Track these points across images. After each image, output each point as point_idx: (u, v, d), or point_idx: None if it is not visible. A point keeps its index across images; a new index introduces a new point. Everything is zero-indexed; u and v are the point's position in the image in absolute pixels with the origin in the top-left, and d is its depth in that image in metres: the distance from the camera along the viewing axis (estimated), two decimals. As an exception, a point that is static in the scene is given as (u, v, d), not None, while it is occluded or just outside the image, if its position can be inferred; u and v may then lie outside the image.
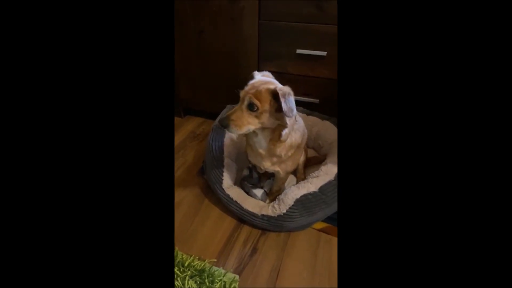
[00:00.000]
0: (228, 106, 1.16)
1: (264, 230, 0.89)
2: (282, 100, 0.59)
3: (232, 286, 0.73)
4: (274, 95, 0.62)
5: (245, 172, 1.00)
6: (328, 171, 0.85)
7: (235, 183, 0.95)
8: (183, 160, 1.22)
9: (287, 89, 0.61)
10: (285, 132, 0.68)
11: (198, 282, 0.73)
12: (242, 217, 0.89)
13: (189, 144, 1.33)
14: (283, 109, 0.59)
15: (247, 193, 0.93)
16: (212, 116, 1.50)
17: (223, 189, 0.90)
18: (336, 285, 0.74)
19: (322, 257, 0.82)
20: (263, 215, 0.84)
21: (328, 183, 0.82)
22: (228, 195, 0.89)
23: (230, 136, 1.02)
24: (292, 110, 0.60)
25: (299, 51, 1.07)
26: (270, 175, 0.97)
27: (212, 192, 1.00)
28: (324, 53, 1.04)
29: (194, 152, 1.27)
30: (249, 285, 0.75)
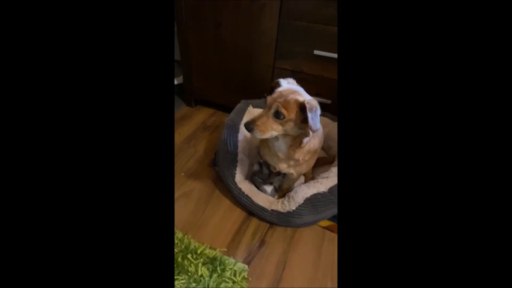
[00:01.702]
0: (243, 101, 1.18)
1: (272, 224, 0.94)
2: (309, 114, 0.62)
3: (241, 275, 0.77)
4: (302, 107, 0.64)
5: (256, 167, 1.04)
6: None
7: (245, 178, 0.99)
8: (194, 151, 1.25)
9: (314, 102, 0.64)
10: (306, 140, 0.71)
11: (210, 269, 0.78)
12: (251, 210, 0.93)
13: (200, 134, 1.36)
14: (309, 123, 0.62)
15: (258, 188, 0.97)
16: (223, 108, 1.52)
17: (235, 182, 0.93)
18: (337, 281, 0.79)
19: (326, 254, 0.87)
20: (272, 210, 0.88)
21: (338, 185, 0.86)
22: (240, 189, 0.92)
23: (244, 132, 1.05)
24: (316, 125, 0.63)
25: (316, 52, 1.09)
26: (280, 172, 1.01)
27: (222, 184, 1.04)
28: (341, 56, 1.06)
29: (205, 142, 1.30)
30: (257, 275, 0.80)
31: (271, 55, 1.18)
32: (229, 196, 1.02)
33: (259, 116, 0.67)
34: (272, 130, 0.68)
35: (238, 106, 1.14)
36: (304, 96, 0.68)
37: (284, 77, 1.23)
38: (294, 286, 0.78)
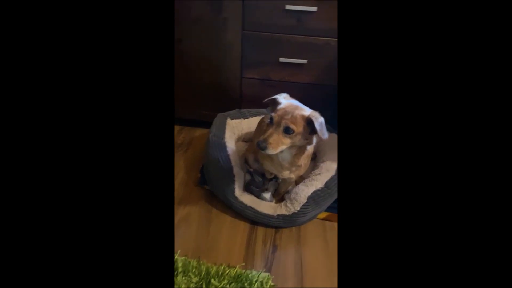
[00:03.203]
0: (219, 115, 1.18)
1: (277, 227, 0.98)
2: (316, 126, 0.70)
3: (268, 284, 0.80)
4: (308, 120, 0.72)
5: (247, 177, 1.06)
6: (329, 168, 0.99)
7: (242, 190, 1.01)
8: (175, 172, 1.20)
9: (317, 114, 0.72)
10: (309, 147, 0.78)
11: (238, 287, 0.79)
12: (256, 220, 0.96)
13: (175, 154, 1.30)
14: (319, 134, 0.70)
15: (258, 197, 1.00)
16: (190, 123, 1.48)
17: (236, 197, 0.95)
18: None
19: (331, 241, 0.95)
20: (278, 215, 0.93)
21: (331, 178, 0.95)
22: (242, 202, 0.94)
23: (231, 146, 1.06)
24: (325, 134, 0.71)
25: (281, 59, 1.16)
26: (273, 177, 1.06)
27: (217, 200, 1.04)
28: (305, 61, 1.15)
29: (182, 162, 1.26)
30: (281, 279, 0.84)
31: (238, 66, 1.21)
32: (228, 211, 1.02)
33: (269, 134, 0.71)
34: (283, 144, 0.73)
35: (217, 120, 1.14)
36: (306, 110, 0.74)
37: (252, 85, 1.28)
38: (316, 278, 0.84)
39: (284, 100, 0.77)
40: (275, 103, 0.77)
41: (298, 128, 0.71)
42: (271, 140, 0.71)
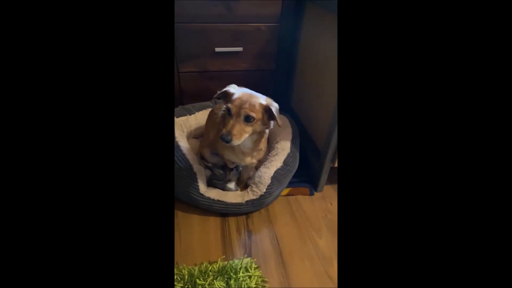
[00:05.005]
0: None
1: (247, 213, 1.01)
2: (275, 112, 0.73)
3: (253, 268, 0.83)
4: (266, 109, 0.75)
5: (207, 172, 1.05)
6: (284, 147, 1.04)
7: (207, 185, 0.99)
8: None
9: (271, 101, 0.76)
10: (267, 131, 0.81)
11: (225, 280, 0.79)
12: (225, 212, 0.97)
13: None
14: (278, 122, 0.74)
15: (222, 189, 1.00)
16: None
17: (202, 194, 0.93)
18: (318, 225, 0.98)
19: (298, 213, 1.03)
20: (247, 201, 0.95)
21: (288, 156, 1.02)
22: (209, 198, 0.93)
23: (184, 144, 1.02)
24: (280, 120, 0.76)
25: (217, 49, 1.15)
26: (233, 167, 1.07)
27: (180, 203, 1.01)
28: (240, 49, 1.17)
29: (131, 173, 1.16)
30: (263, 259, 0.87)
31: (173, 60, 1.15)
32: (194, 210, 1.00)
33: (232, 126, 0.72)
34: (246, 133, 0.75)
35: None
36: (260, 97, 0.76)
37: (191, 79, 1.25)
38: (293, 248, 0.91)
39: (236, 90, 0.78)
40: (228, 94, 0.77)
41: (258, 115, 0.74)
42: (234, 131, 0.72)
